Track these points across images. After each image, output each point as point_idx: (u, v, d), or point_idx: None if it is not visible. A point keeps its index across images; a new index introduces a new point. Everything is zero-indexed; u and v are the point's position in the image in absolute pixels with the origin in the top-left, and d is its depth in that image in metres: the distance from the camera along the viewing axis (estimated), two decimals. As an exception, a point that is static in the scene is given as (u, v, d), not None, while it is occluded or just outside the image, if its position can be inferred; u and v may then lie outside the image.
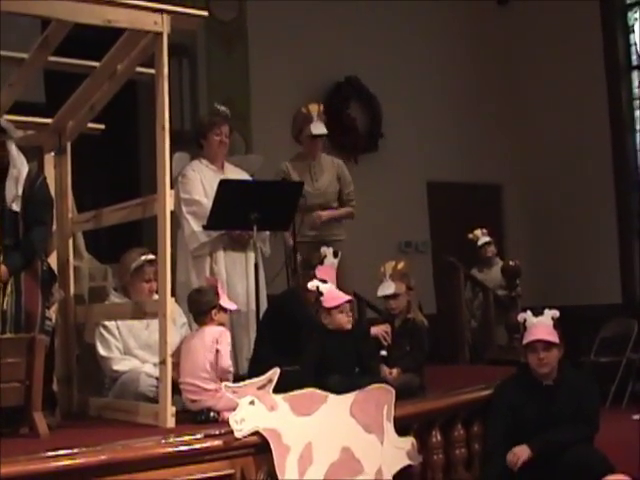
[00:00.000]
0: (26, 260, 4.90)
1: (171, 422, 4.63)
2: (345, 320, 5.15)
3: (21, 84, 5.29)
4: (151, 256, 5.51)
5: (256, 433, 4.33)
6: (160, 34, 4.83)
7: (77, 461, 3.85)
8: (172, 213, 4.89)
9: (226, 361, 4.77)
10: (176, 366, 4.84)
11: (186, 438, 4.22)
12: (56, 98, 5.76)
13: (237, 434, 4.27)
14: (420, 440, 5.09)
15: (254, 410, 4.33)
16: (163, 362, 4.73)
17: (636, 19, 11.10)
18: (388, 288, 5.67)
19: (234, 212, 5.72)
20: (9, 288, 4.84)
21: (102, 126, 5.96)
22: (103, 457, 3.92)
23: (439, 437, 5.29)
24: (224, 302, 4.98)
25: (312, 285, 5.23)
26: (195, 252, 6.09)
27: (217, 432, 4.32)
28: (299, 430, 4.45)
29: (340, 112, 10.33)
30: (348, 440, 4.61)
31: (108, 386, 5.61)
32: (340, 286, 5.68)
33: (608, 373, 9.26)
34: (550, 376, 5.29)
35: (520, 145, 11.65)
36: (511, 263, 9.03)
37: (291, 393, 4.48)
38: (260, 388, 4.37)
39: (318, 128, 6.72)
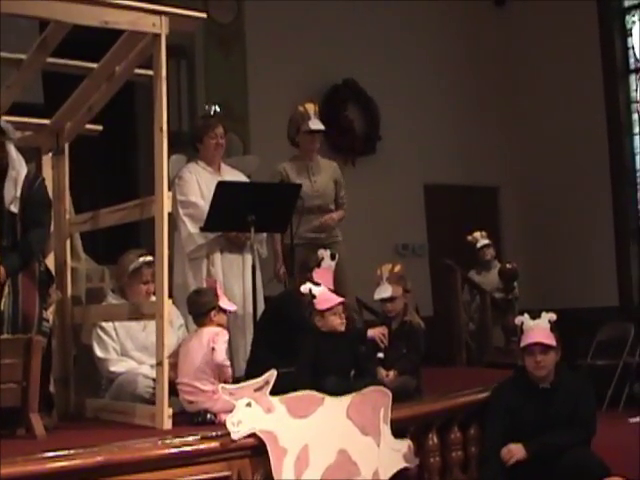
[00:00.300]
0: (24, 261, 4.90)
1: (168, 424, 4.63)
2: (338, 322, 5.15)
3: (19, 85, 5.30)
4: (149, 258, 5.51)
5: (253, 435, 4.32)
6: (158, 36, 4.83)
7: (74, 462, 3.84)
8: (169, 215, 4.90)
9: (220, 356, 4.75)
10: (174, 367, 4.85)
11: (183, 440, 4.22)
12: (54, 99, 5.77)
13: (234, 436, 4.27)
14: (417, 442, 5.08)
15: (251, 412, 4.33)
16: (160, 363, 4.73)
17: (634, 22, 11.12)
18: (385, 291, 5.67)
19: (231, 214, 5.73)
20: (6, 289, 4.83)
21: (100, 127, 5.96)
22: (100, 458, 3.91)
23: (436, 440, 5.28)
24: (223, 303, 4.99)
25: (305, 288, 5.22)
26: (192, 254, 6.09)
27: (214, 434, 4.31)
28: (296, 432, 4.44)
29: (338, 114, 10.35)
30: (345, 442, 4.61)
31: (105, 387, 5.61)
32: (337, 288, 5.70)
33: (605, 376, 9.25)
34: (547, 379, 5.30)
35: (517, 148, 11.66)
36: (508, 266, 9.03)
37: (288, 395, 4.48)
38: (257, 390, 4.37)
39: (316, 124, 6.72)
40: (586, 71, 11.08)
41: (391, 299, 5.68)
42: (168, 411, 4.65)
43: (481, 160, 11.38)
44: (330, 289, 5.67)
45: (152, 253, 5.12)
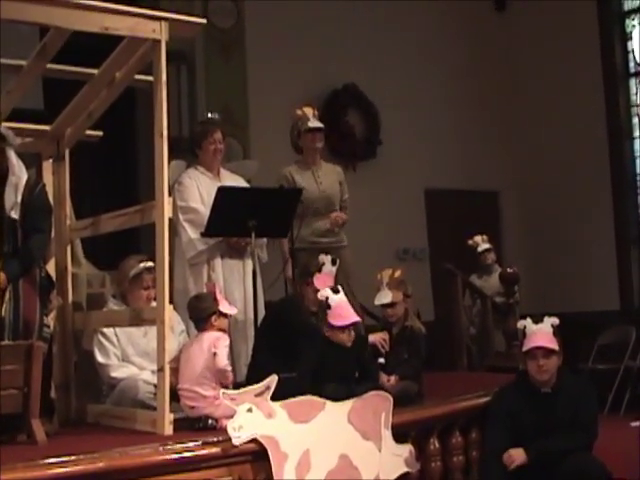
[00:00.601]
0: (24, 267, 4.90)
1: (169, 429, 4.63)
2: (346, 339, 5.07)
3: (20, 91, 5.31)
4: (149, 263, 5.51)
5: (254, 440, 4.32)
6: (158, 42, 4.84)
7: (75, 468, 3.84)
8: (170, 220, 4.90)
9: (222, 361, 4.75)
10: (175, 372, 4.85)
11: (184, 445, 4.22)
12: (55, 105, 5.77)
13: (235, 441, 4.26)
14: (418, 447, 5.08)
15: (252, 417, 4.33)
16: (161, 369, 4.73)
17: (634, 26, 11.13)
18: (385, 297, 5.67)
19: (232, 219, 5.73)
20: (7, 295, 4.83)
21: (100, 133, 5.97)
22: (101, 464, 3.91)
23: (437, 444, 5.27)
24: (223, 307, 4.98)
25: (322, 294, 5.15)
26: (192, 260, 6.09)
27: (215, 439, 4.31)
28: (297, 437, 4.44)
29: (338, 119, 10.35)
30: (346, 447, 4.61)
31: (106, 393, 5.61)
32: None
33: (606, 380, 9.24)
34: (549, 383, 5.29)
35: (518, 152, 11.66)
36: (509, 270, 9.02)
37: (289, 400, 4.48)
38: (258, 395, 4.37)
39: (315, 123, 6.77)
40: (586, 75, 11.08)
41: (391, 304, 5.67)
42: (169, 417, 4.65)
43: (481, 165, 11.38)
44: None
45: (153, 259, 5.12)
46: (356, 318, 5.12)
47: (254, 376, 4.92)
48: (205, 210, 5.91)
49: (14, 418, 4.57)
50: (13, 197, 4.85)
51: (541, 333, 5.26)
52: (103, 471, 3.90)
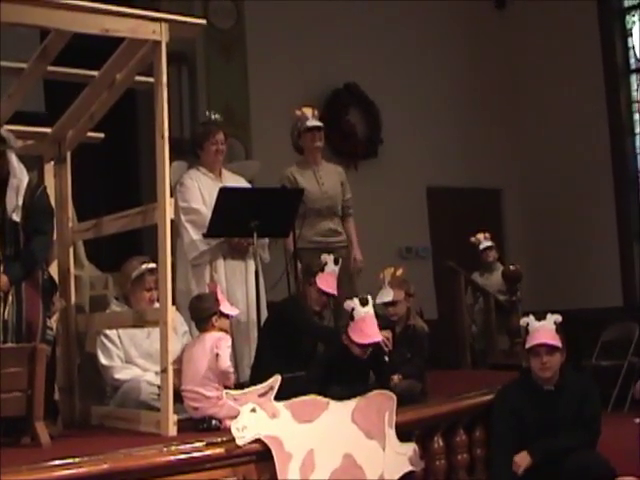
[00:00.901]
0: (27, 270, 4.90)
1: (173, 430, 4.63)
2: (361, 353, 5.07)
3: (21, 94, 5.30)
4: (152, 265, 5.51)
5: (258, 440, 4.33)
6: (159, 43, 4.84)
7: (80, 470, 3.85)
8: (172, 221, 4.90)
9: (225, 362, 4.75)
10: (178, 373, 4.85)
11: (188, 446, 4.22)
12: (56, 108, 5.78)
13: (239, 442, 4.27)
14: (422, 446, 5.08)
15: (256, 417, 4.34)
16: (164, 370, 4.73)
17: (634, 22, 11.11)
18: (387, 295, 5.67)
19: (234, 220, 5.73)
20: (10, 298, 4.84)
21: (102, 135, 5.96)
22: (105, 466, 3.92)
23: (441, 442, 5.28)
24: (224, 308, 4.98)
25: (348, 305, 5.13)
26: (194, 261, 6.09)
27: (219, 440, 4.32)
28: (301, 437, 4.45)
29: (339, 119, 10.36)
30: (350, 447, 4.61)
31: (110, 395, 5.61)
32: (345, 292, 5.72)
33: (610, 377, 9.23)
34: (552, 381, 5.29)
35: (519, 149, 11.66)
36: (511, 267, 9.01)
37: (292, 400, 4.49)
38: (261, 395, 4.37)
39: (313, 122, 6.79)
40: (587, 72, 11.07)
41: (393, 303, 5.68)
42: (173, 418, 4.65)
43: (483, 162, 11.37)
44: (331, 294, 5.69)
45: (155, 260, 5.12)
46: (377, 338, 5.09)
47: (258, 376, 4.93)
48: (207, 211, 5.91)
49: (18, 421, 4.58)
50: (14, 200, 4.85)
51: (544, 330, 5.26)
52: (108, 473, 3.91)
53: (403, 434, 4.90)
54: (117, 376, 5.54)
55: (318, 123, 6.82)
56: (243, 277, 6.15)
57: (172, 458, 4.13)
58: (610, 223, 10.87)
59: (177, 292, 5.84)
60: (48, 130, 5.67)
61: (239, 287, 6.13)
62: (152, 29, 4.82)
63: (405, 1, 10.77)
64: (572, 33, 11.15)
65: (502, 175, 11.61)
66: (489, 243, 9.47)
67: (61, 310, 5.51)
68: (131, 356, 5.60)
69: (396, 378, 5.43)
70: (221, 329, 4.92)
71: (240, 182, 6.42)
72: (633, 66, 11.11)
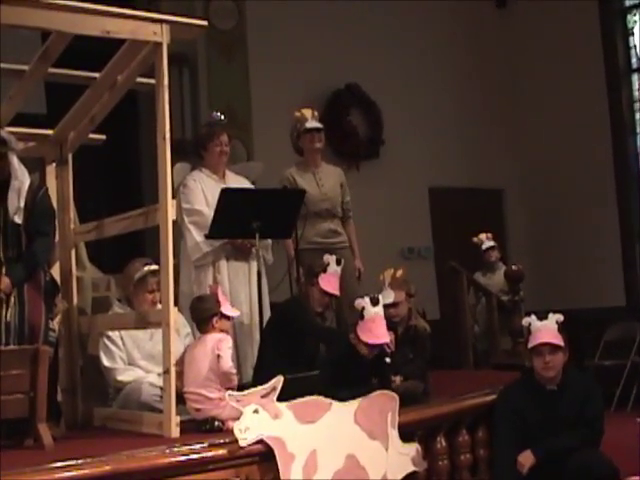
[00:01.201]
0: (29, 272, 4.91)
1: (175, 432, 4.64)
2: (367, 353, 5.09)
3: (22, 96, 5.31)
4: (154, 266, 5.51)
5: (260, 441, 4.33)
6: (160, 44, 4.84)
7: (82, 472, 3.85)
8: (175, 223, 4.90)
9: (227, 363, 4.75)
10: (180, 375, 4.85)
11: (190, 447, 4.22)
12: (57, 109, 5.78)
13: (241, 443, 4.27)
14: (425, 446, 5.08)
15: (258, 418, 4.33)
16: (167, 372, 4.73)
17: (635, 22, 11.10)
18: (388, 297, 5.65)
19: (236, 221, 5.73)
20: (12, 300, 4.85)
21: (103, 136, 5.97)
22: (108, 467, 3.92)
23: (444, 443, 5.28)
24: (225, 309, 4.98)
25: (359, 304, 5.14)
26: (197, 262, 6.08)
27: (221, 441, 4.32)
28: (303, 438, 4.44)
29: (341, 119, 10.36)
30: (353, 447, 4.61)
31: (112, 396, 5.61)
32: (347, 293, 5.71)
33: (612, 376, 9.23)
34: (554, 380, 5.29)
35: (521, 149, 11.65)
36: (514, 267, 8.99)
37: (295, 401, 4.49)
38: (264, 396, 4.37)
39: (312, 123, 6.80)
40: (588, 71, 11.07)
41: (395, 304, 5.66)
42: (176, 419, 4.66)
43: (485, 162, 11.37)
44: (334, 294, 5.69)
45: (157, 262, 5.12)
46: (386, 339, 5.10)
47: (260, 377, 4.92)
48: (210, 212, 5.90)
49: (21, 422, 4.58)
50: (16, 202, 4.86)
51: (546, 329, 5.26)
52: (110, 474, 3.91)
53: (406, 434, 4.90)
54: (119, 378, 5.54)
55: (317, 124, 6.81)
56: (246, 278, 6.14)
57: (175, 459, 4.13)
58: (612, 223, 10.86)
59: (180, 294, 5.86)
60: (49, 132, 5.68)
61: (242, 288, 6.12)
62: (153, 30, 4.82)
63: (406, 2, 10.77)
64: (573, 33, 11.14)
65: (504, 175, 11.61)
66: (491, 243, 9.46)
67: (63, 312, 5.50)
68: (134, 358, 5.60)
69: (397, 379, 5.42)
70: (222, 330, 4.92)
71: (243, 183, 6.41)
72: (635, 65, 11.09)
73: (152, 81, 5.05)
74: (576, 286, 10.82)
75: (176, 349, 4.84)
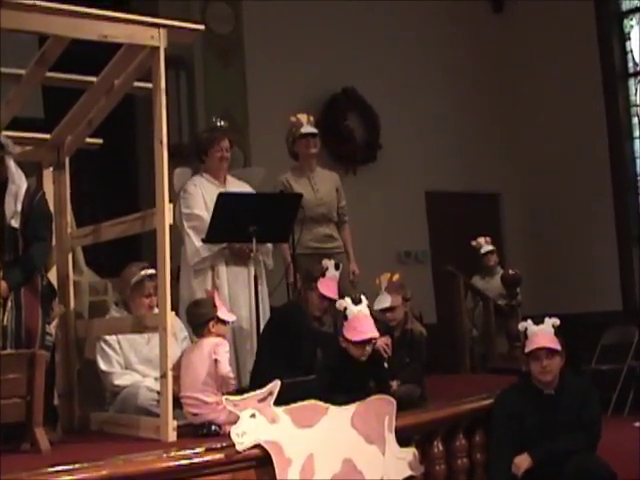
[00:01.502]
0: (26, 276, 4.91)
1: (172, 436, 4.63)
2: (359, 354, 4.98)
3: (19, 100, 5.31)
4: (151, 271, 5.51)
5: (257, 446, 4.32)
6: (157, 48, 4.84)
7: (79, 476, 3.83)
8: (173, 227, 4.89)
9: (225, 367, 4.75)
10: (177, 380, 4.84)
11: (187, 452, 4.21)
12: (54, 114, 5.78)
13: (238, 447, 4.26)
14: (422, 450, 5.08)
15: (255, 423, 4.33)
16: (164, 376, 4.73)
17: (632, 26, 11.14)
18: (384, 301, 5.66)
19: (233, 225, 5.73)
20: (9, 304, 4.84)
21: (100, 141, 5.97)
22: (105, 472, 3.91)
23: (441, 447, 5.27)
24: (222, 314, 4.97)
25: (340, 304, 5.08)
26: (196, 266, 6.08)
27: (218, 445, 4.31)
28: (300, 442, 4.44)
29: (338, 123, 10.37)
30: (350, 451, 4.60)
31: (109, 401, 5.61)
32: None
33: (609, 381, 9.24)
34: (552, 384, 5.28)
35: (518, 154, 11.66)
36: (511, 272, 9.02)
37: (292, 405, 4.48)
38: (261, 401, 4.37)
39: (308, 128, 6.80)
40: (585, 75, 11.09)
41: (391, 309, 5.67)
42: (173, 423, 4.65)
43: (482, 167, 11.38)
44: (333, 298, 5.68)
45: (154, 266, 5.12)
46: (373, 334, 5.00)
47: (257, 381, 4.92)
48: (209, 217, 5.90)
49: (17, 427, 4.57)
50: (13, 206, 4.86)
51: (543, 334, 5.26)
52: (107, 478, 3.90)
53: (403, 439, 4.89)
54: (116, 382, 5.54)
55: (313, 130, 6.81)
56: (246, 283, 6.12)
57: (172, 464, 4.12)
58: (609, 227, 10.88)
59: (180, 299, 5.88)
60: (47, 136, 5.68)
61: (242, 293, 6.12)
62: (150, 35, 4.82)
63: (403, 5, 10.78)
64: (570, 37, 11.16)
65: (500, 179, 11.62)
66: (490, 247, 9.43)
67: (60, 316, 5.50)
68: (130, 362, 5.60)
69: (394, 384, 5.42)
70: (218, 335, 4.91)
71: (245, 188, 6.41)
72: (631, 69, 11.13)
73: (149, 85, 5.04)
74: (573, 290, 10.83)
75: (173, 353, 4.84)
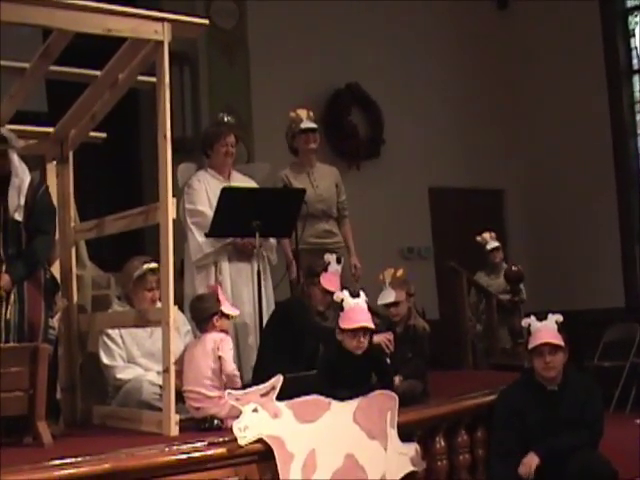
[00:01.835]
0: (29, 269, 4.91)
1: (175, 430, 4.63)
2: (354, 346, 4.87)
3: (23, 94, 5.31)
4: (153, 264, 5.51)
5: (260, 440, 4.32)
6: (161, 43, 4.84)
7: (81, 470, 3.84)
8: (176, 222, 4.89)
9: (230, 365, 4.77)
10: (179, 374, 4.84)
11: (190, 446, 4.22)
12: (58, 107, 5.78)
13: (241, 441, 4.26)
14: (424, 446, 5.07)
15: (257, 417, 4.33)
16: (166, 370, 4.73)
17: (637, 23, 11.12)
18: (388, 296, 5.65)
19: (236, 219, 5.73)
20: (12, 297, 4.85)
21: (104, 135, 5.97)
22: (107, 466, 3.91)
23: (443, 443, 5.26)
24: (225, 308, 4.97)
25: (338, 296, 5.03)
26: (199, 262, 6.08)
27: (221, 440, 4.31)
28: (303, 437, 4.44)
29: (341, 119, 10.36)
30: (352, 447, 4.60)
31: (112, 394, 5.61)
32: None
33: (612, 378, 9.24)
34: (555, 381, 5.28)
35: (522, 150, 11.66)
36: (514, 268, 9.01)
37: (294, 400, 4.48)
38: (263, 395, 4.37)
39: (307, 124, 6.80)
40: (589, 72, 11.08)
41: (395, 304, 5.66)
42: (175, 417, 4.65)
43: (485, 163, 11.37)
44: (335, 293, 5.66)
45: (157, 260, 5.12)
46: (364, 322, 4.88)
47: (260, 376, 4.92)
48: (212, 213, 5.90)
49: (20, 420, 4.58)
50: (16, 199, 4.86)
51: (546, 330, 5.26)
52: (109, 472, 3.90)
53: (405, 434, 4.89)
54: (119, 376, 5.54)
55: (312, 125, 6.81)
56: (249, 278, 6.13)
57: (174, 458, 4.12)
58: (612, 224, 10.88)
59: (184, 295, 5.89)
60: (50, 130, 5.68)
61: (245, 289, 6.12)
62: (154, 29, 4.81)
63: (407, 1, 10.77)
64: (574, 34, 11.15)
65: (504, 175, 11.61)
66: (496, 244, 9.34)
67: (63, 310, 5.50)
68: (133, 356, 5.60)
69: (397, 380, 5.41)
70: (222, 329, 4.91)
71: (249, 184, 6.40)
72: (636, 67, 11.12)
73: (153, 79, 5.05)
74: (575, 287, 10.83)
75: (176, 347, 4.84)
